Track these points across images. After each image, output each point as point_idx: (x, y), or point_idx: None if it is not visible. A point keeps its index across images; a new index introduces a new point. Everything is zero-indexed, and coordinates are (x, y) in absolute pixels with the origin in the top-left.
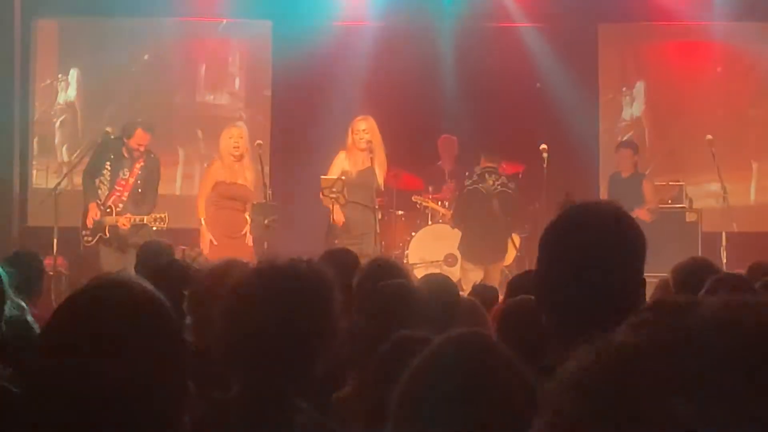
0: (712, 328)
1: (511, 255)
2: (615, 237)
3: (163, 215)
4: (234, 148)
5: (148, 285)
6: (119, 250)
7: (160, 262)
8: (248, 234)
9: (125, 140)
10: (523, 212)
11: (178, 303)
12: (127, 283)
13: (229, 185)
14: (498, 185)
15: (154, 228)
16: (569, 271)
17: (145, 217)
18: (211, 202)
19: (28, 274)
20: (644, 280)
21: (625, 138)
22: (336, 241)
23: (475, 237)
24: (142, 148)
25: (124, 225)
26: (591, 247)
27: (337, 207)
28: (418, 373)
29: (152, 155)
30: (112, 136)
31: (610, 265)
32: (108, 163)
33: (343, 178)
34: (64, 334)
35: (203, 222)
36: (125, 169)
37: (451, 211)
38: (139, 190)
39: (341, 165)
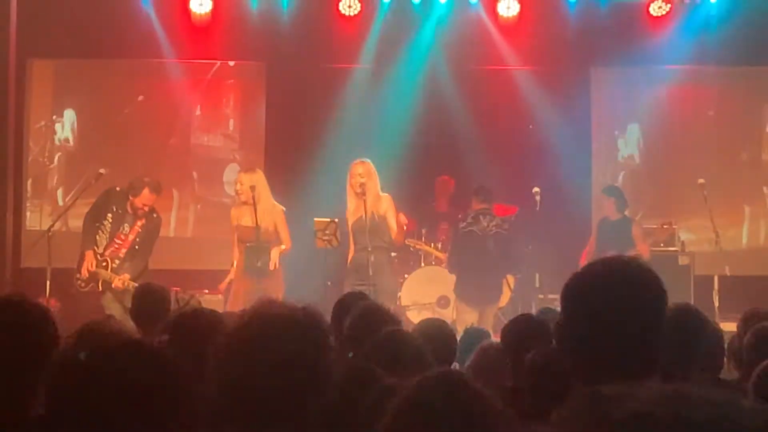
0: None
1: (505, 296)
2: (638, 290)
3: (129, 281)
4: (244, 192)
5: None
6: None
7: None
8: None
9: (131, 197)
10: (518, 253)
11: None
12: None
13: (241, 228)
14: (493, 226)
15: (120, 290)
16: (595, 322)
17: (115, 279)
18: (235, 246)
19: None
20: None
21: (608, 185)
22: (354, 284)
23: (470, 279)
24: (146, 209)
25: (117, 287)
26: (616, 300)
27: (351, 249)
28: (399, 416)
29: (155, 215)
30: (118, 188)
31: (633, 316)
32: (110, 215)
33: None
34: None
35: (234, 264)
36: (126, 225)
37: (447, 255)
38: (137, 247)
39: (353, 211)
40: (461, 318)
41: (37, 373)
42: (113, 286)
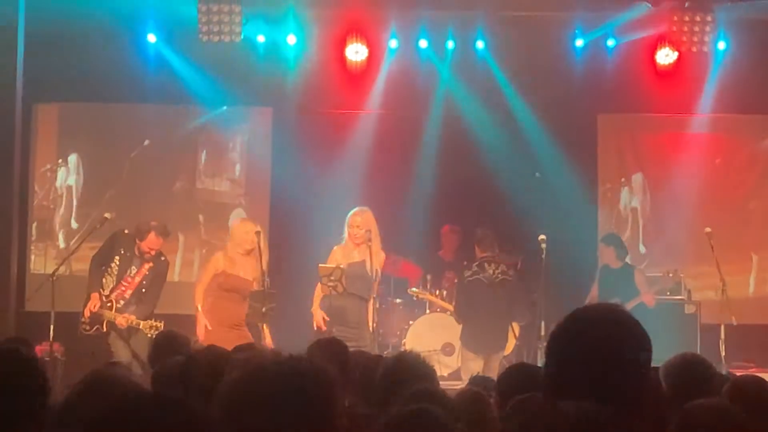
0: None
1: (511, 344)
2: (621, 338)
3: (159, 324)
4: (249, 242)
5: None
6: (120, 338)
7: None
8: (244, 325)
9: (137, 241)
10: (523, 301)
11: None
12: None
13: (229, 276)
14: (499, 274)
15: (149, 335)
16: (578, 371)
17: (141, 323)
18: (210, 292)
19: None
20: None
21: (607, 233)
22: (334, 330)
23: (477, 327)
24: (153, 252)
25: (121, 324)
26: (598, 348)
27: (334, 294)
28: None
29: (162, 258)
30: (126, 231)
31: (617, 365)
32: (117, 257)
33: (342, 266)
34: None
35: (200, 308)
36: (133, 267)
37: (454, 305)
38: (143, 291)
39: (339, 260)
40: (466, 366)
41: (26, 423)
42: (117, 324)
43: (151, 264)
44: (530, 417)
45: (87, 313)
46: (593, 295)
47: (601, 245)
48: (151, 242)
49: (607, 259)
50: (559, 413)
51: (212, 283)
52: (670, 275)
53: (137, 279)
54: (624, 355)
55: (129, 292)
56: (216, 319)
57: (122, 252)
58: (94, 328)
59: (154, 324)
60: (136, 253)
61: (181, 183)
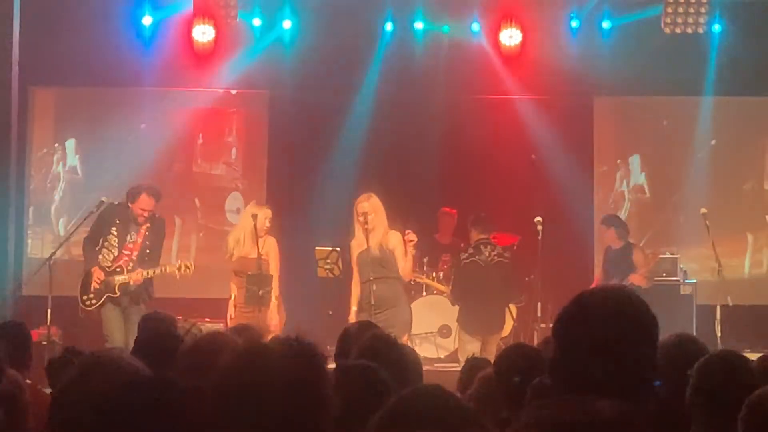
0: None
1: (508, 326)
2: (627, 321)
3: (189, 263)
4: (245, 225)
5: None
6: (133, 304)
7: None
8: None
9: (130, 205)
10: (520, 282)
11: None
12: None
13: (240, 259)
14: (495, 256)
15: (178, 276)
16: (585, 356)
17: (167, 266)
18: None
19: (14, 344)
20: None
21: (606, 215)
22: (363, 315)
23: (474, 309)
24: (146, 214)
25: (137, 280)
26: (605, 332)
27: (357, 282)
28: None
29: (157, 215)
30: (116, 203)
31: (624, 349)
32: (114, 228)
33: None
34: None
35: (232, 298)
36: (132, 233)
37: (450, 287)
38: (147, 251)
39: (355, 254)
40: (464, 347)
41: None
42: (131, 282)
43: (148, 224)
44: (555, 412)
45: (96, 284)
46: (598, 278)
47: (601, 227)
48: (143, 203)
49: (609, 241)
50: (590, 411)
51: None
52: (667, 257)
53: (139, 241)
54: (633, 342)
55: (135, 253)
56: (241, 301)
57: (117, 222)
58: (104, 297)
59: (185, 264)
60: (131, 218)
61: (178, 167)
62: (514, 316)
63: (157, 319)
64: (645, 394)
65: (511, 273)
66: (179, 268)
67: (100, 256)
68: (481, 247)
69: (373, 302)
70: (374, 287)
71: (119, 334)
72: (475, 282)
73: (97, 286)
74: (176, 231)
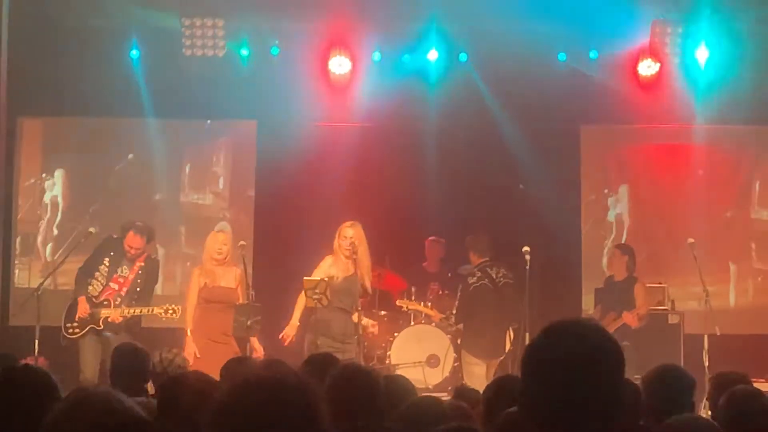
0: None
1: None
2: (593, 355)
3: (176, 307)
4: (218, 252)
5: None
6: (115, 334)
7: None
8: (231, 336)
9: (123, 240)
10: (519, 306)
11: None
12: None
13: (211, 289)
14: (501, 277)
15: (164, 318)
16: (552, 388)
17: (155, 308)
18: (198, 308)
19: None
20: (637, 387)
21: (621, 243)
22: (318, 342)
23: (481, 331)
24: (132, 251)
25: (115, 319)
26: (571, 364)
27: (320, 308)
28: None
29: (153, 257)
30: (114, 236)
31: (590, 380)
32: (107, 259)
33: (326, 279)
34: None
35: (189, 333)
36: (124, 267)
37: (455, 311)
38: (138, 289)
39: (327, 269)
40: (469, 370)
41: None
42: (110, 320)
43: (142, 263)
44: None
45: (83, 313)
46: (597, 310)
47: (617, 252)
48: (131, 240)
49: (615, 270)
50: None
51: (199, 299)
52: (655, 286)
53: (131, 277)
54: (595, 374)
55: (125, 289)
56: (204, 333)
57: (111, 254)
58: (87, 328)
59: (172, 307)
60: (123, 252)
61: (165, 196)
62: (512, 339)
63: (128, 351)
64: (611, 428)
65: (515, 294)
66: (166, 311)
67: (90, 287)
68: (487, 269)
69: (361, 332)
70: (364, 321)
71: (92, 366)
72: (485, 305)
73: (83, 316)
74: (161, 261)
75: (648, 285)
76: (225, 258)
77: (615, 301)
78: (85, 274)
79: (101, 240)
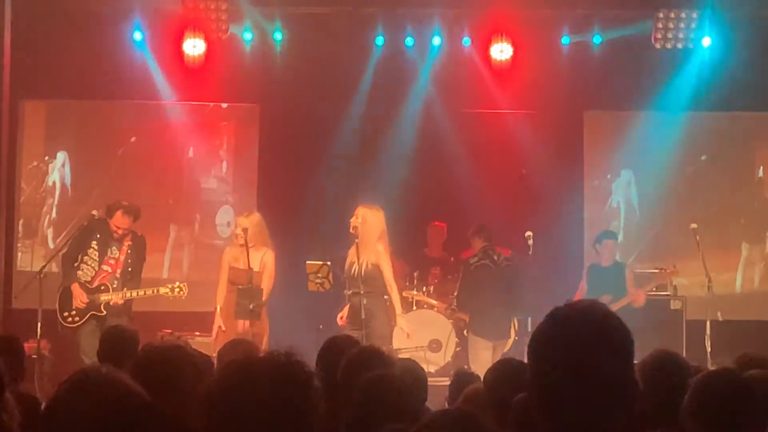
0: None
1: (511, 338)
2: (602, 338)
3: (182, 284)
4: (235, 235)
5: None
6: (116, 318)
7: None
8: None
9: (108, 220)
10: (522, 292)
11: None
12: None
13: (233, 269)
14: (503, 260)
15: (171, 297)
16: (560, 374)
17: (161, 288)
18: (227, 288)
19: (8, 358)
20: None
21: (605, 230)
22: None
23: (486, 311)
24: (120, 231)
25: (117, 302)
26: (579, 350)
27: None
28: None
29: (138, 234)
30: (96, 217)
31: (599, 366)
32: (94, 242)
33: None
34: None
35: (218, 309)
36: (113, 248)
37: (456, 294)
38: (129, 269)
39: (350, 255)
40: (476, 353)
41: None
42: (111, 303)
43: (129, 242)
44: None
45: (80, 303)
46: (582, 293)
47: (604, 240)
48: (118, 220)
49: (603, 255)
50: None
51: (223, 278)
52: (668, 271)
53: (122, 258)
54: (604, 358)
55: (119, 271)
56: (227, 312)
57: (98, 236)
58: (88, 315)
59: (178, 285)
60: (110, 233)
61: (168, 180)
62: (516, 328)
63: (117, 332)
64: (621, 415)
65: (516, 281)
66: (172, 290)
67: (80, 272)
68: (489, 251)
69: (363, 316)
70: (365, 301)
71: (95, 353)
72: (487, 284)
73: (81, 305)
74: (169, 245)
75: (650, 270)
76: (243, 241)
77: (605, 285)
78: (72, 258)
79: (81, 226)
